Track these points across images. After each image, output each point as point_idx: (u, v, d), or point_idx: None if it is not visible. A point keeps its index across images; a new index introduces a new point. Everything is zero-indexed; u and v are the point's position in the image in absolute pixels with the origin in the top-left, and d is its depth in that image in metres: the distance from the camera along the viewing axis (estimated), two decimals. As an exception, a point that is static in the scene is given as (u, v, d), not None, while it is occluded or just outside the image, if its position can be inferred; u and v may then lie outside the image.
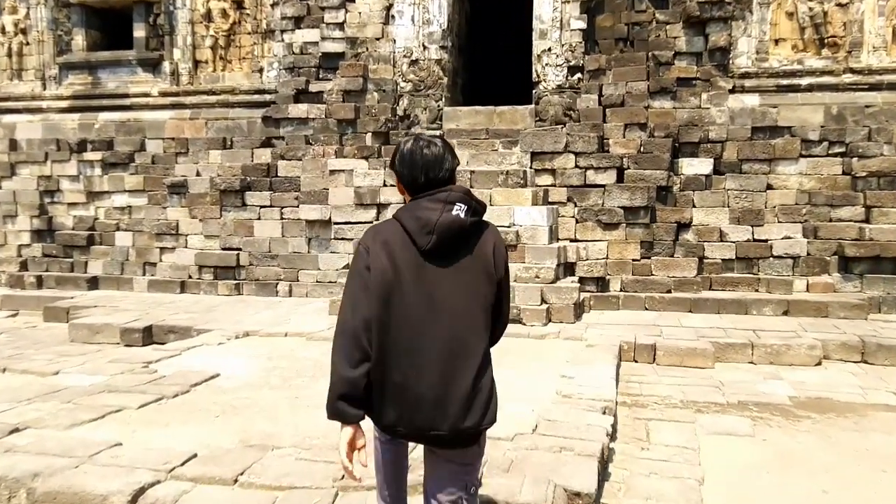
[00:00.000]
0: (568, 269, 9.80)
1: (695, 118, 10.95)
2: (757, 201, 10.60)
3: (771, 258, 10.36)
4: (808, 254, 10.31)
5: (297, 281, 11.24)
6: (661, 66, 11.18)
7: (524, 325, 8.42)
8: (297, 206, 11.41)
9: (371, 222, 10.87)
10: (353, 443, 2.39)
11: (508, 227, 9.59)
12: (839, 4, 10.96)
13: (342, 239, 11.06)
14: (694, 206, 10.60)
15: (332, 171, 11.26)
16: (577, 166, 10.45)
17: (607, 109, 11.01)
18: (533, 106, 11.55)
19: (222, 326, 8.55)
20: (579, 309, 9.04)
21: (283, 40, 12.52)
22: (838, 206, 10.46)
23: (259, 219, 11.66)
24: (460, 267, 2.39)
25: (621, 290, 10.07)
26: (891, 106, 10.60)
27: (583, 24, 11.29)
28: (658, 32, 11.30)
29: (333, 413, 2.41)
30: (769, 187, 10.67)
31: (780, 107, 10.83)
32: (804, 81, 10.95)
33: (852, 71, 10.84)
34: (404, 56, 11.83)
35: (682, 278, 10.06)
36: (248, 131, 12.41)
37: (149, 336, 8.93)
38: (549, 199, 10.36)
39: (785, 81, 10.99)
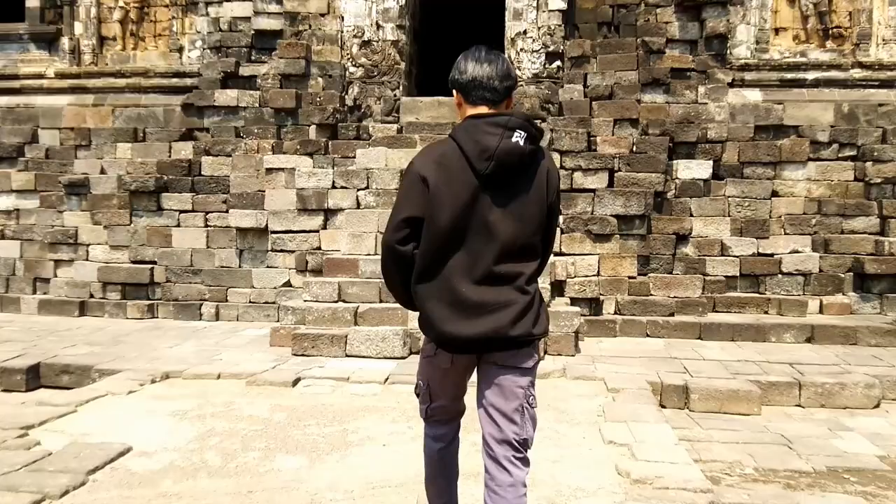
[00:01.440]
0: (556, 288, 8.24)
1: (691, 114, 9.59)
2: (761, 210, 9.31)
3: (779, 275, 9.07)
4: (821, 270, 9.06)
5: (226, 301, 9.30)
6: (651, 55, 9.79)
7: (519, 360, 6.79)
8: (226, 212, 9.48)
9: (317, 231, 9.07)
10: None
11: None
12: (845, -9, 9.81)
13: (282, 251, 9.19)
14: (691, 215, 9.22)
15: (270, 170, 9.38)
16: (562, 167, 8.91)
17: (594, 102, 9.54)
18: (505, 97, 9.95)
19: (133, 365, 6.60)
20: (576, 337, 7.48)
21: (207, 14, 10.56)
22: (851, 216, 9.28)
23: (178, 226, 9.66)
24: (516, 193, 2.43)
25: (617, 313, 8.58)
26: (906, 105, 9.49)
27: (562, 4, 9.80)
28: (647, 16, 9.92)
29: (404, 306, 2.73)
30: (774, 194, 9.40)
31: (786, 103, 9.59)
32: (810, 76, 9.75)
33: (861, 65, 9.70)
34: (354, 36, 10.07)
35: (686, 299, 8.64)
36: (164, 121, 10.39)
37: (35, 378, 6.88)
38: (531, 206, 8.78)
39: (789, 75, 9.76)
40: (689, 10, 9.84)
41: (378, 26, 10.04)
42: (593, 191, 8.87)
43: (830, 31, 9.88)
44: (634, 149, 9.20)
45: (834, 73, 9.74)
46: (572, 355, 7.11)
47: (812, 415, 6.12)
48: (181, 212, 9.69)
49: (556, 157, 8.91)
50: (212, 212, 9.63)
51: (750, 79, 9.79)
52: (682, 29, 9.87)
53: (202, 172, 9.78)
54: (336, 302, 7.57)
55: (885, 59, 9.66)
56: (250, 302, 9.23)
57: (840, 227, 9.27)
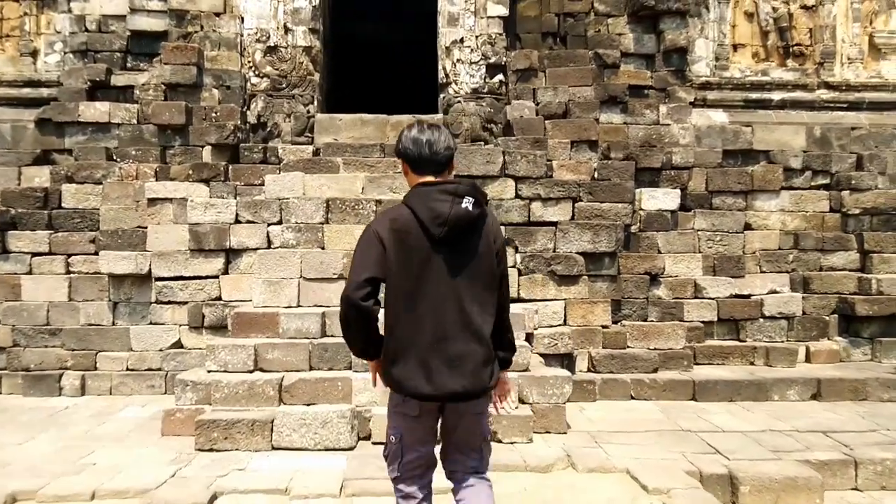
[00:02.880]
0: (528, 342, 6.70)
1: (653, 136, 8.43)
2: (734, 245, 8.20)
3: (760, 319, 7.94)
4: (804, 312, 8.01)
5: (96, 370, 7.17)
6: (606, 70, 8.62)
7: (503, 443, 5.19)
8: (95, 254, 7.40)
9: (216, 276, 7.16)
10: (376, 366, 2.82)
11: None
12: (805, 7, 9.02)
13: (170, 302, 7.21)
14: (659, 252, 7.99)
15: (153, 201, 7.41)
16: (518, 196, 7.47)
17: (547, 122, 8.19)
18: (440, 115, 8.47)
19: (-45, 479, 4.50)
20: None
21: (69, 11, 8.54)
22: (830, 250, 8.33)
23: (30, 273, 7.48)
24: (468, 253, 2.65)
25: (592, 370, 7.14)
26: (879, 129, 8.72)
27: (503, 10, 8.49)
28: (598, 27, 8.78)
29: (359, 356, 2.92)
30: (747, 227, 8.33)
31: (754, 126, 8.61)
32: (775, 96, 8.85)
33: (828, 86, 8.91)
34: (258, 41, 8.31)
35: (668, 351, 7.33)
36: (13, 141, 8.22)
37: None
38: (482, 242, 7.25)
39: (754, 95, 8.83)
40: (644, 21, 8.76)
41: (286, 30, 8.34)
42: (555, 224, 7.45)
43: (791, 49, 9.06)
44: (596, 175, 7.89)
45: (800, 94, 8.88)
46: (564, 432, 5.58)
47: (878, 501, 4.86)
48: (34, 255, 7.51)
49: (509, 184, 7.46)
50: (76, 254, 7.51)
51: (713, 98, 8.77)
52: (638, 42, 8.76)
53: (63, 204, 7.66)
54: (252, 371, 5.72)
55: (852, 79, 8.89)
56: (128, 369, 7.15)
57: (819, 264, 8.29)
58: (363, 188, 7.26)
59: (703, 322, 7.86)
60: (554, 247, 7.40)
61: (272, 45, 8.31)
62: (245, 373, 5.69)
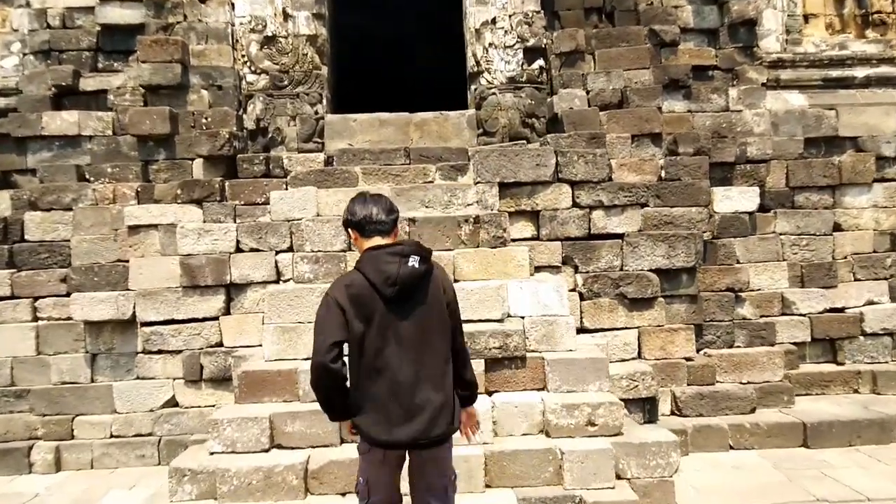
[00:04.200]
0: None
1: (722, 125, 7.16)
2: (822, 250, 6.96)
3: (861, 337, 6.72)
4: (911, 326, 6.77)
5: (73, 439, 5.89)
6: (663, 49, 7.32)
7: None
8: (67, 295, 6.10)
9: (215, 318, 5.88)
10: (349, 425, 2.98)
11: (499, 321, 5.10)
12: (887, -33, 7.74)
13: (160, 352, 5.92)
14: (738, 261, 6.73)
15: (135, 228, 6.11)
16: (576, 204, 6.19)
17: (601, 113, 6.90)
18: (473, 111, 7.18)
19: None
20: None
21: (27, 5, 7.23)
22: (936, 251, 7.08)
23: (-11, 321, 6.18)
24: (419, 307, 2.85)
25: (677, 413, 5.90)
26: None
27: None
28: (650, 0, 7.46)
29: (334, 421, 3.12)
30: (836, 228, 7.08)
31: (838, 108, 7.33)
32: (858, 73, 7.57)
33: (919, 58, 7.61)
34: (253, 30, 7.01)
35: (764, 385, 6.09)
36: (-36, 161, 6.91)
37: None
38: (534, 263, 5.97)
39: (834, 73, 7.54)
40: (704, -10, 7.47)
41: (286, 16, 7.03)
42: (621, 236, 6.19)
43: (871, 18, 7.79)
44: (663, 174, 6.61)
45: (886, 69, 7.59)
46: (675, 514, 4.34)
47: None
48: (-7, 299, 6.22)
49: (564, 190, 6.18)
50: (44, 297, 6.23)
51: (787, 78, 7.48)
52: (698, 15, 7.47)
53: (27, 237, 6.36)
54: (268, 451, 4.45)
55: (947, 50, 7.61)
56: (112, 436, 5.87)
57: (923, 267, 7.05)
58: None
59: (794, 344, 6.64)
60: (621, 264, 6.14)
61: (270, 34, 7.01)
62: (259, 453, 4.41)
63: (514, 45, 7.15)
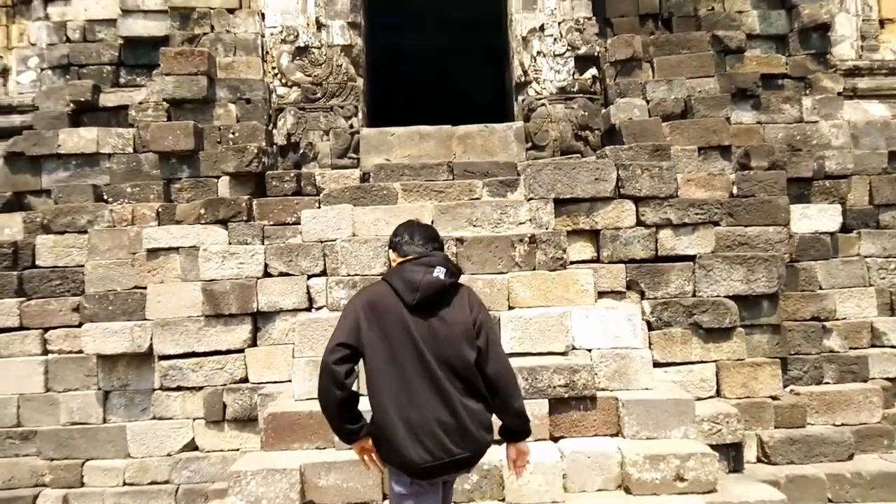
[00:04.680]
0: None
1: (796, 138, 6.51)
2: (913, 273, 6.22)
3: (963, 371, 5.93)
4: None
5: (83, 486, 5.28)
6: (728, 56, 6.71)
7: None
8: (79, 326, 5.54)
9: (240, 350, 5.29)
10: (364, 448, 2.75)
11: (562, 354, 4.44)
12: (969, -34, 7.07)
13: (179, 389, 5.33)
14: (821, 287, 6.01)
15: (154, 252, 5.56)
16: (640, 223, 5.53)
17: (662, 124, 6.27)
18: (520, 124, 6.60)
19: None
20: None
21: (47, 17, 6.83)
22: None
23: (-4, 354, 5.65)
24: (442, 320, 2.69)
25: (765, 460, 5.16)
26: None
27: None
28: (711, 4, 6.89)
29: (337, 435, 2.83)
30: (928, 249, 6.34)
31: (926, 118, 6.64)
32: (944, 80, 6.87)
33: None
34: (284, 41, 6.53)
35: (861, 427, 5.33)
36: (-24, 182, 6.45)
37: None
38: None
39: (918, 80, 6.85)
40: (772, -7, 6.87)
41: (319, 25, 6.55)
42: (692, 258, 5.51)
43: (954, 22, 7.09)
44: (735, 190, 5.95)
45: (974, 76, 6.90)
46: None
47: None
48: (0, 331, 5.69)
49: (627, 207, 5.53)
50: (55, 328, 5.69)
51: (864, 87, 6.82)
52: (764, 20, 6.87)
53: (38, 262, 5.84)
54: (298, 508, 3.79)
55: None
56: (126, 484, 5.25)
57: None
58: (433, 221, 5.35)
59: (888, 379, 5.86)
60: (694, 289, 5.46)
61: (302, 45, 6.52)
62: (289, 509, 3.76)
63: (564, 53, 6.59)
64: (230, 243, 5.54)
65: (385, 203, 5.62)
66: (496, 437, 2.76)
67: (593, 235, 5.55)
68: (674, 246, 5.54)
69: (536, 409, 4.08)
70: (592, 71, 6.61)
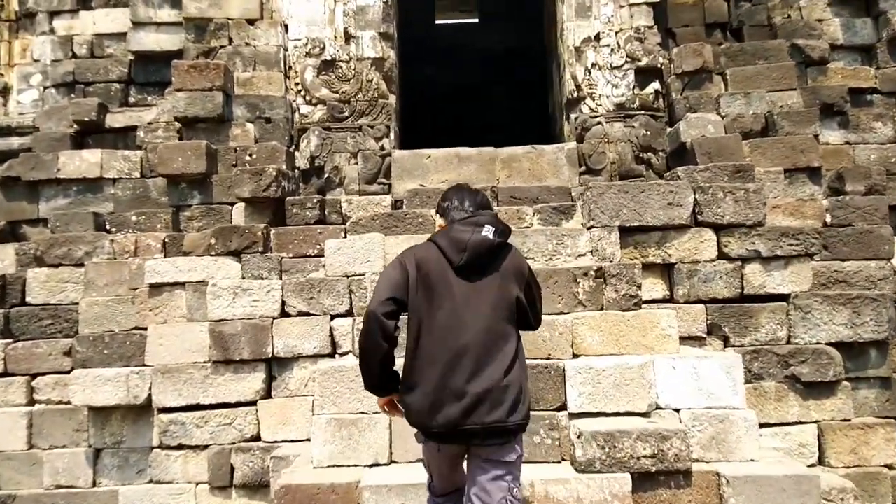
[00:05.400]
0: None
1: (891, 160, 5.66)
2: None
3: None
4: None
5: (65, 563, 4.49)
6: (809, 68, 5.92)
7: None
8: (68, 372, 4.79)
9: (252, 403, 4.50)
10: (389, 402, 2.66)
11: (644, 415, 3.57)
12: None
13: (181, 447, 4.54)
14: (926, 332, 5.09)
15: (157, 287, 4.82)
16: (723, 255, 4.70)
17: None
18: (573, 144, 5.83)
19: None
20: None
21: (52, 32, 6.26)
22: None
23: (-24, 404, 4.91)
24: (488, 281, 2.53)
25: (885, 546, 4.21)
26: None
27: None
28: (787, 12, 6.12)
29: (367, 388, 2.67)
30: None
31: None
32: None
33: None
34: (308, 54, 5.88)
35: None
36: (-33, 210, 5.81)
37: None
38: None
39: None
40: (853, 1, 6.09)
41: (348, 37, 5.89)
42: (785, 297, 4.65)
43: None
44: (829, 218, 5.10)
45: None
46: None
47: None
48: (-18, 377, 4.97)
49: (708, 236, 4.71)
50: (43, 374, 4.95)
51: (965, 103, 5.97)
52: (848, 29, 6.10)
53: (28, 299, 5.14)
54: None
55: None
56: (116, 560, 4.45)
57: None
58: (478, 254, 4.55)
59: None
60: (788, 335, 4.60)
61: (329, 58, 5.87)
62: None
63: (622, 65, 5.85)
64: (243, 277, 4.80)
65: (421, 232, 4.85)
66: (518, 419, 2.51)
67: (665, 270, 4.74)
68: (763, 283, 4.69)
69: (616, 487, 3.23)
70: (655, 85, 5.86)
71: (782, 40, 5.86)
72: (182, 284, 4.82)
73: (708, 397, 3.65)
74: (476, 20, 10.37)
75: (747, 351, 4.56)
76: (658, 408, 3.66)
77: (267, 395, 4.55)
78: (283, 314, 4.61)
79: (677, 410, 3.65)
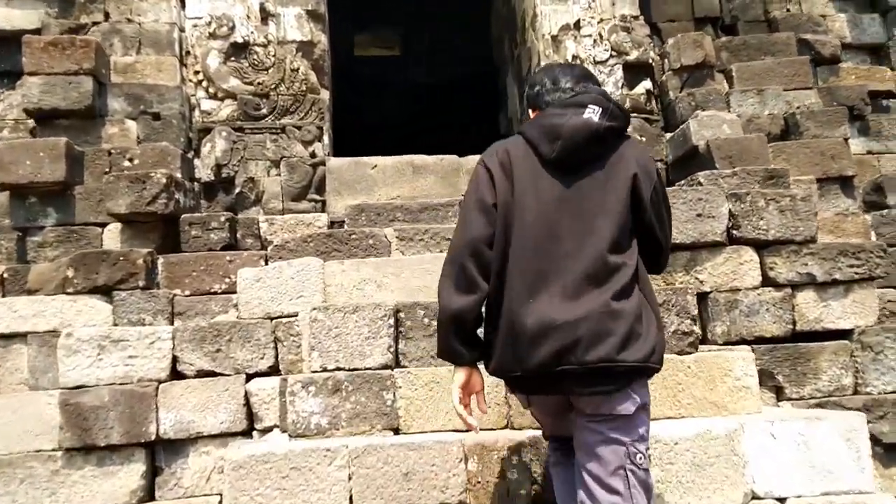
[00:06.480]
0: None
1: (917, 173, 4.78)
2: None
3: None
4: None
5: None
6: (819, 67, 5.04)
7: None
8: None
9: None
10: (468, 386, 1.96)
11: (736, 507, 2.34)
12: None
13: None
14: None
15: (-16, 341, 3.29)
16: (768, 281, 3.59)
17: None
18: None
19: None
20: None
21: None
22: None
23: None
24: (593, 179, 1.86)
25: None
26: None
27: None
28: (786, 5, 5.27)
29: (443, 352, 1.96)
30: None
31: None
32: None
33: None
34: (213, 35, 4.55)
35: None
36: None
37: None
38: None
39: None
40: (858, -5, 5.32)
41: (265, 15, 4.60)
42: (847, 334, 3.58)
43: None
44: (874, 237, 4.12)
45: None
46: None
47: None
48: None
49: (748, 256, 3.60)
50: None
51: None
52: (855, 26, 5.30)
53: None
54: None
55: None
56: None
57: None
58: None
59: None
60: (855, 382, 3.50)
61: (240, 41, 4.54)
62: None
63: (607, 59, 4.79)
64: (115, 324, 3.35)
65: (372, 255, 3.55)
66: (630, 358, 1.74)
67: (697, 301, 3.58)
68: (820, 315, 3.60)
69: None
70: (646, 84, 4.82)
71: (790, 33, 4.97)
72: (23, 336, 3.32)
73: (825, 477, 2.46)
74: (397, 54, 9.51)
75: (809, 405, 3.44)
76: (755, 497, 2.44)
77: (148, 496, 3.06)
78: (176, 375, 3.17)
79: (782, 500, 2.44)
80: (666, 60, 4.90)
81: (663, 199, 1.94)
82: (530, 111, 2.07)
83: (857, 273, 3.64)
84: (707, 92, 4.60)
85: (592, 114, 1.86)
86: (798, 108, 4.62)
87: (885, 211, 4.22)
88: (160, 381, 3.15)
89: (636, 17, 4.94)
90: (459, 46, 8.18)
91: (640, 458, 1.82)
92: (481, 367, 1.98)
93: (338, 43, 6.23)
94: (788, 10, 5.26)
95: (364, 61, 9.39)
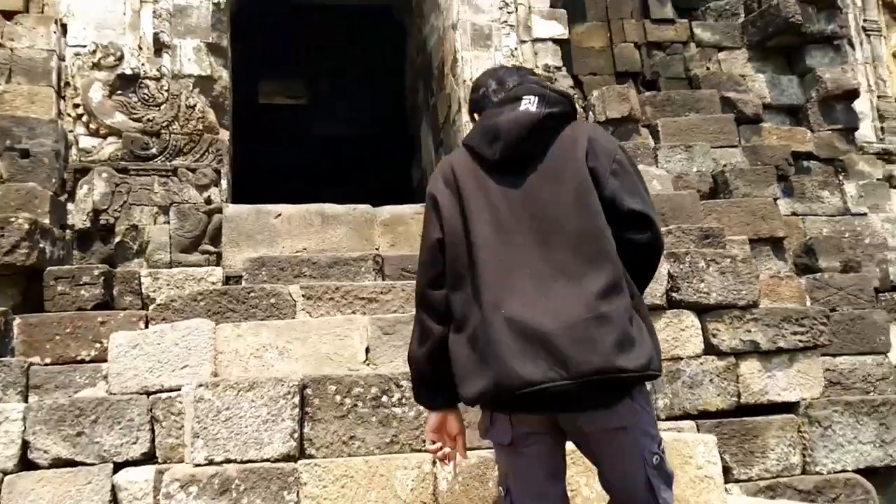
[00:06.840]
0: None
1: (844, 234, 4.74)
2: None
3: None
4: None
5: None
6: (741, 126, 4.95)
7: None
8: None
9: None
10: (443, 429, 1.76)
11: None
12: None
13: None
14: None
15: None
16: (711, 349, 3.33)
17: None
18: (473, 207, 4.34)
19: None
20: None
21: None
22: None
23: None
24: (544, 172, 1.68)
25: None
26: None
27: (560, 29, 4.89)
28: (706, 64, 5.21)
29: (416, 398, 1.86)
30: None
31: None
32: None
33: None
34: (97, 65, 4.07)
35: None
36: None
37: None
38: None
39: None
40: (776, 56, 5.42)
41: (159, 46, 4.12)
42: (795, 406, 3.34)
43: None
44: (808, 302, 3.95)
45: None
46: None
47: None
48: None
49: (689, 322, 3.34)
50: None
51: (903, 174, 5.26)
52: (774, 86, 5.28)
53: None
54: None
55: None
56: None
57: None
58: (368, 346, 2.88)
59: None
60: (803, 461, 3.24)
61: (129, 72, 4.05)
62: None
63: (529, 110, 4.53)
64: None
65: (274, 316, 3.07)
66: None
67: (634, 372, 3.27)
68: (765, 387, 3.36)
69: None
70: (570, 135, 4.58)
71: (713, 90, 4.87)
72: None
73: None
74: (304, 104, 9.14)
75: (759, 488, 3.16)
76: None
77: None
78: (26, 465, 2.59)
79: None
80: (591, 113, 4.70)
81: (631, 165, 1.70)
82: (478, 116, 1.87)
83: (800, 341, 3.42)
84: (635, 146, 4.40)
85: (529, 104, 1.69)
86: (725, 165, 4.49)
87: (819, 274, 4.08)
88: (5, 473, 2.57)
89: (559, 68, 4.74)
90: (369, 97, 7.88)
91: (658, 460, 1.64)
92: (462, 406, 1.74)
93: (242, 87, 5.83)
94: (709, 69, 5.20)
95: (270, 109, 8.95)
